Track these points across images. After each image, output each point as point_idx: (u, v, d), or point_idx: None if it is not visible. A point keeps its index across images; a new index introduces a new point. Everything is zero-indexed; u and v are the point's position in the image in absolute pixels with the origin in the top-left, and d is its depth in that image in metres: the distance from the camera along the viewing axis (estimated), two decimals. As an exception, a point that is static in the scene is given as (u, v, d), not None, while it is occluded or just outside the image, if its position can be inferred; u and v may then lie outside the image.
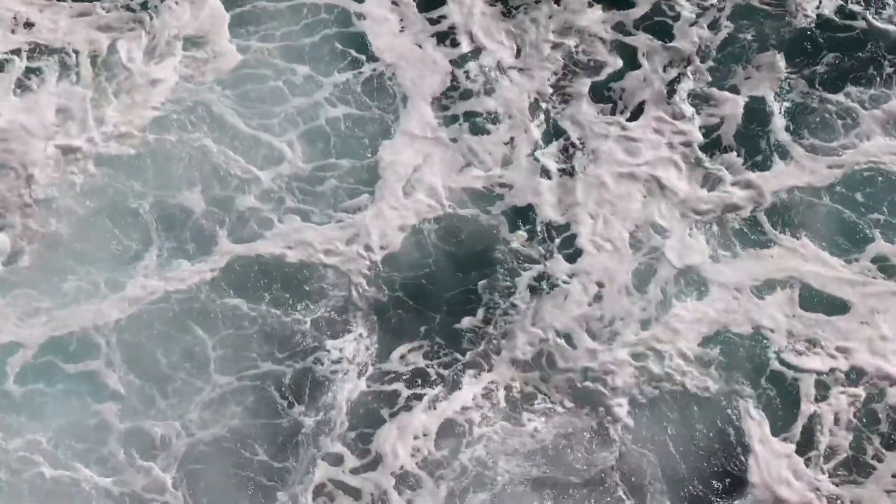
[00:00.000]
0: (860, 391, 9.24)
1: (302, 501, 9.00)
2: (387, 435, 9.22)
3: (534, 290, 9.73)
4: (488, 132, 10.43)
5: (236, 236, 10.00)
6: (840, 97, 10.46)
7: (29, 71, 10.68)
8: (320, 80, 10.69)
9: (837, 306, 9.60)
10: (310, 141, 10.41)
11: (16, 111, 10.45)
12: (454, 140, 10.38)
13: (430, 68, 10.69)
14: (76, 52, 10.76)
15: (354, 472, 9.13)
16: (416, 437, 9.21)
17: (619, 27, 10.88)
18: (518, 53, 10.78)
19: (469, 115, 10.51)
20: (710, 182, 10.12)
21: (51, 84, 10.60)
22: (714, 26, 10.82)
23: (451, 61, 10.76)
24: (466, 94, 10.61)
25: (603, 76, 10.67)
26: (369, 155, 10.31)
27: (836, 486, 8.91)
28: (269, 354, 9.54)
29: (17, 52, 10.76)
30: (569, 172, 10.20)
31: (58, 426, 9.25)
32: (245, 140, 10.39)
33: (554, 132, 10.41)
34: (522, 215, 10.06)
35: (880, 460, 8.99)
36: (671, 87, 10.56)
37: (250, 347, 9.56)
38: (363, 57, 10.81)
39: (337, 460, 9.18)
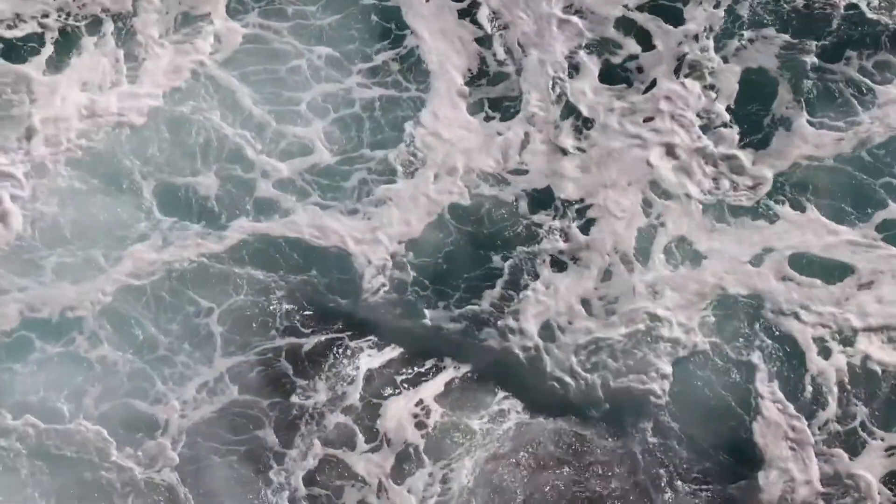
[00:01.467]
0: (860, 355, 9.54)
1: (308, 483, 9.31)
2: (400, 408, 9.52)
3: (550, 265, 9.98)
4: (508, 112, 10.57)
5: (256, 217, 10.19)
6: (843, 67, 10.59)
7: (47, 43, 10.70)
8: (343, 61, 10.77)
9: (840, 270, 9.89)
10: (336, 125, 10.56)
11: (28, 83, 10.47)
12: (476, 121, 10.50)
13: (455, 49, 10.76)
14: (92, 20, 10.75)
15: (366, 451, 9.46)
16: (430, 410, 9.51)
17: (628, 5, 10.97)
18: (536, 32, 10.85)
19: (490, 97, 10.62)
20: (717, 154, 10.32)
21: (63, 54, 10.62)
22: (719, 4, 10.93)
23: (475, 40, 10.82)
24: (488, 76, 10.71)
25: (614, 53, 10.81)
26: (393, 137, 10.46)
27: (832, 450, 9.29)
28: (286, 329, 9.78)
29: (34, 19, 10.73)
30: (583, 150, 10.38)
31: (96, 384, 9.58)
32: (259, 122, 10.52)
33: (569, 110, 10.56)
34: (540, 194, 10.25)
35: (873, 435, 9.33)
36: (679, 63, 10.69)
37: (265, 323, 9.80)
38: (390, 36, 10.87)
39: (346, 437, 9.49)
